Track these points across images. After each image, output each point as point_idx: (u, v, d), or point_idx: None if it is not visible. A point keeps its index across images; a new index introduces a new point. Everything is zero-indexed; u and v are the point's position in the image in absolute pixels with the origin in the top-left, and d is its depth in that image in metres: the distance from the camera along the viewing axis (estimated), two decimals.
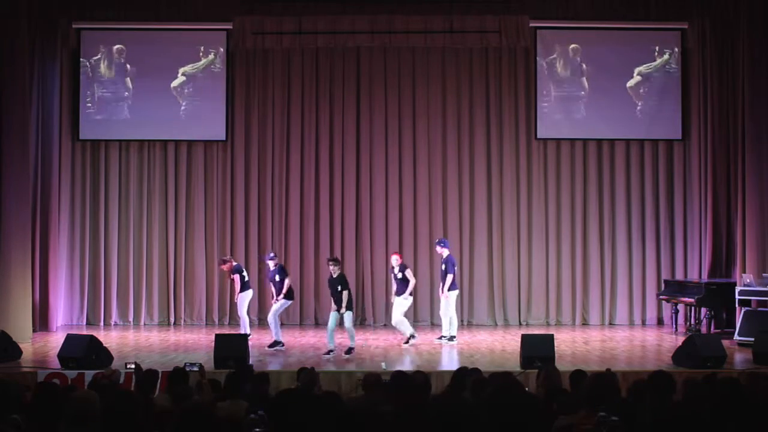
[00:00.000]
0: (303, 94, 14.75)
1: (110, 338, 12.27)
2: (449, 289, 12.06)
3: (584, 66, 14.68)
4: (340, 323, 11.24)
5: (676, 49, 14.62)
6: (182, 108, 14.65)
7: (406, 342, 11.80)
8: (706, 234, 13.99)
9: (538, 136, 14.73)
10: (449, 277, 12.01)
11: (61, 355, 9.72)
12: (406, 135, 14.78)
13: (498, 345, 12.04)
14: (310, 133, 14.74)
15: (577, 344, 12.13)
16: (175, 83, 14.65)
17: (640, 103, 14.66)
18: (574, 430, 4.94)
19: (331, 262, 11.41)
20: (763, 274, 12.42)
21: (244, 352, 9.90)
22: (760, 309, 12.06)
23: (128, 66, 14.63)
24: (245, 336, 10.53)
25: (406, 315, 12.07)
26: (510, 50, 14.69)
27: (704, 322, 12.94)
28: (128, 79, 14.62)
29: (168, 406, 5.86)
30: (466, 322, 14.47)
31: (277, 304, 11.75)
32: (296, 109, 14.75)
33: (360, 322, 14.46)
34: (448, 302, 12.09)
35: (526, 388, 6.61)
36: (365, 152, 14.74)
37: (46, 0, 13.67)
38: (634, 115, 14.67)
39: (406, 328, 11.89)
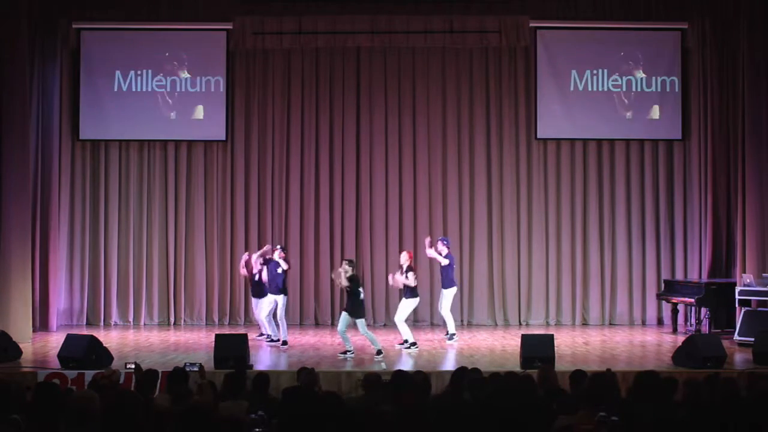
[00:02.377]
0: (303, 94, 14.75)
1: (110, 338, 12.27)
2: (445, 287, 12.14)
3: (584, 66, 14.67)
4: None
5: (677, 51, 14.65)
6: (182, 108, 14.65)
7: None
8: (706, 234, 13.99)
9: (538, 136, 14.73)
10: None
11: (61, 355, 9.72)
12: (406, 135, 14.78)
13: (498, 345, 12.03)
14: (310, 133, 14.74)
15: (577, 344, 12.13)
16: (175, 83, 14.65)
17: (640, 103, 14.66)
18: (574, 430, 4.94)
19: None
20: (763, 274, 12.41)
21: (244, 352, 9.90)
22: (760, 309, 12.06)
23: (128, 66, 14.61)
24: (245, 336, 10.51)
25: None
26: (510, 50, 14.68)
27: (704, 322, 12.93)
28: (128, 79, 14.62)
29: (168, 406, 5.86)
30: (466, 322, 14.47)
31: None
32: (296, 109, 14.75)
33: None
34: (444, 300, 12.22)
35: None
36: (365, 152, 14.74)
37: (46, 0, 13.67)
38: (635, 115, 14.67)
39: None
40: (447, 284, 12.17)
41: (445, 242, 12.41)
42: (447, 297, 12.16)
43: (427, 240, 12.46)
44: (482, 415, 5.09)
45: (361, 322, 10.80)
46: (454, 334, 12.13)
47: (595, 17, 14.51)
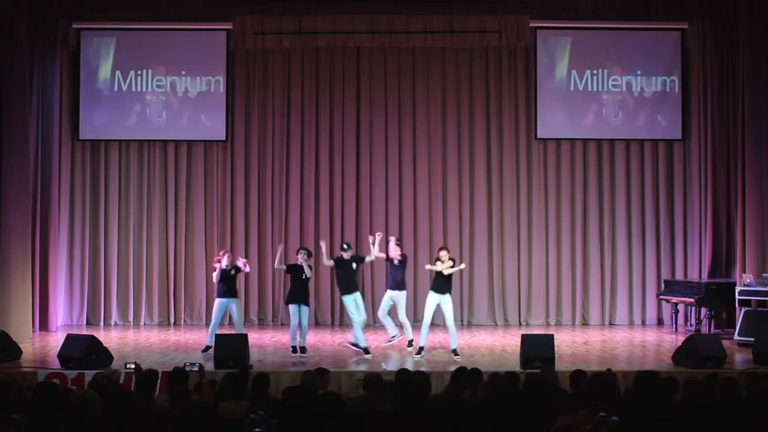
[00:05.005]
0: (303, 94, 14.75)
1: (110, 338, 12.27)
2: (401, 289, 11.23)
3: (584, 66, 14.68)
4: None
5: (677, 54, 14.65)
6: (182, 108, 14.64)
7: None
8: (706, 234, 13.99)
9: (538, 136, 14.73)
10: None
11: (61, 355, 9.73)
12: (406, 135, 14.78)
13: (498, 345, 12.04)
14: (310, 133, 14.74)
15: (577, 344, 12.13)
16: (175, 83, 14.66)
17: (640, 103, 14.66)
18: (574, 430, 4.95)
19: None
20: (763, 274, 12.42)
21: (244, 352, 9.91)
22: (760, 309, 12.07)
23: (128, 66, 14.62)
24: (245, 336, 10.51)
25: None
26: (510, 50, 14.68)
27: (704, 322, 12.94)
28: (128, 79, 14.62)
29: (168, 406, 5.86)
30: (466, 322, 14.47)
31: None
32: (296, 109, 14.75)
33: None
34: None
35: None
36: (365, 152, 14.74)
37: (46, 0, 13.68)
38: (634, 115, 14.67)
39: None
40: (402, 286, 11.30)
41: (398, 242, 11.58)
42: (402, 300, 11.25)
43: (393, 238, 11.70)
44: (482, 415, 5.09)
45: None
46: (412, 340, 11.28)
47: (595, 17, 14.50)
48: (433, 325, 11.29)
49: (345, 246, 11.21)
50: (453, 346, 10.78)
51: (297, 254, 11.20)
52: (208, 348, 10.94)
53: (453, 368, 6.99)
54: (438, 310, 10.95)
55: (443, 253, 10.87)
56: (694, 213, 14.42)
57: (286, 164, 14.72)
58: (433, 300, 10.83)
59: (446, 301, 10.78)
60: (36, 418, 4.81)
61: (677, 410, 4.93)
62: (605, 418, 4.83)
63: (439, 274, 10.76)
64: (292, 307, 11.00)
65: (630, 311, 14.64)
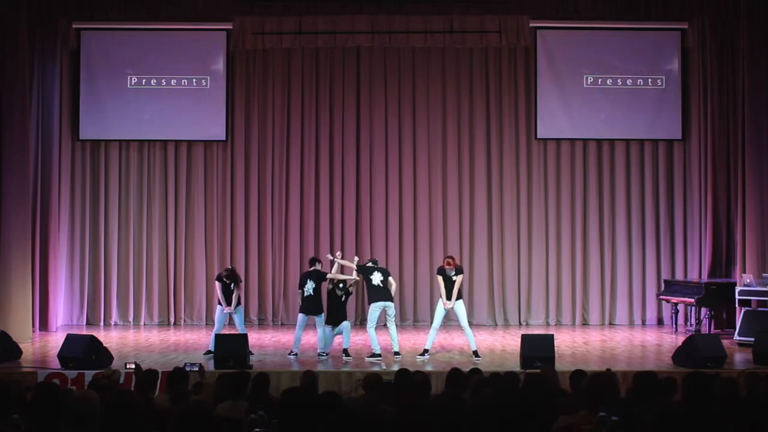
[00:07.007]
0: (303, 94, 14.76)
1: (110, 338, 12.27)
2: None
3: (584, 66, 14.67)
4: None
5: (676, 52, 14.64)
6: (182, 108, 14.64)
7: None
8: (706, 234, 13.99)
9: (538, 136, 14.73)
10: None
11: (61, 355, 9.73)
12: (406, 135, 14.79)
13: (498, 345, 12.05)
14: (310, 133, 14.74)
15: (577, 344, 12.14)
16: (175, 83, 14.65)
17: (640, 103, 14.65)
18: (574, 430, 4.94)
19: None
20: (763, 274, 12.42)
21: (244, 352, 9.91)
22: (760, 309, 12.07)
23: (128, 66, 14.61)
24: (245, 336, 10.52)
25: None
26: (510, 50, 14.69)
27: (704, 322, 12.94)
28: (128, 79, 14.62)
29: (168, 406, 5.86)
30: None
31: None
32: (296, 109, 14.76)
33: (360, 323, 14.46)
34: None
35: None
36: (365, 152, 14.75)
37: (46, 0, 13.68)
38: (634, 115, 14.67)
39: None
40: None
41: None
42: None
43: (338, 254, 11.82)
44: (482, 415, 5.08)
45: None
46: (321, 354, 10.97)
47: (595, 17, 14.50)
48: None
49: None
50: (473, 348, 10.74)
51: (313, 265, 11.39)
52: (210, 352, 10.87)
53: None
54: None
55: (448, 263, 10.80)
56: (694, 213, 14.43)
57: (286, 164, 14.73)
58: (443, 306, 10.85)
59: (457, 306, 10.80)
60: (36, 418, 4.81)
61: (677, 410, 4.92)
62: (605, 418, 4.82)
63: (447, 285, 10.76)
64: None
65: (630, 311, 14.64)
